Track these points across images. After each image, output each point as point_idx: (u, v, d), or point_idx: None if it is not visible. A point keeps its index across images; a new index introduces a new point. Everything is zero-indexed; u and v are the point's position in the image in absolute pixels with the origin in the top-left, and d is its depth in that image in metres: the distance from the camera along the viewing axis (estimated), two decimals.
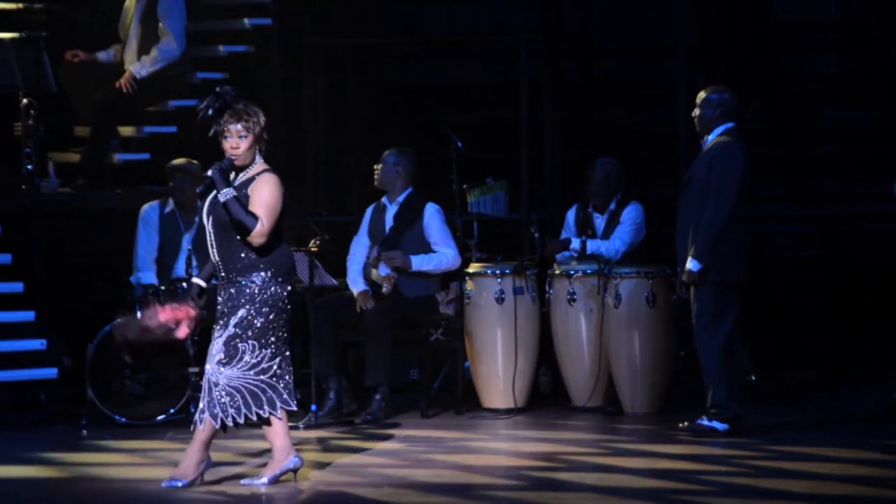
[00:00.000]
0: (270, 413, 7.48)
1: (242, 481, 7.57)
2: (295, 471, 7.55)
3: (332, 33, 11.39)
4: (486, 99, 11.66)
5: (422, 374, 9.87)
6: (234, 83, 10.97)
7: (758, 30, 11.80)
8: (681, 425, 8.92)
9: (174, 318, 7.54)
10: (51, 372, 9.63)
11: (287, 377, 7.55)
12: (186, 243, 9.85)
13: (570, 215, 10.12)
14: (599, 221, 10.02)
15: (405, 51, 11.86)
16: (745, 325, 9.28)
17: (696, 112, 8.91)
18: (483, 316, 9.87)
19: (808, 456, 8.37)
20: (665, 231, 9.30)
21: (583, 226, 10.03)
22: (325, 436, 9.06)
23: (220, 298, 7.51)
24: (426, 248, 9.75)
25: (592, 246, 9.90)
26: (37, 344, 9.72)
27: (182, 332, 7.56)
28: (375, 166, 9.84)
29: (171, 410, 9.31)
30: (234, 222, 7.37)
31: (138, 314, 7.92)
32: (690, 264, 8.74)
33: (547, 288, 9.96)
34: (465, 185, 10.11)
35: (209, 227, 7.49)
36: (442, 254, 9.72)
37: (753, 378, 10.46)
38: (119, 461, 8.35)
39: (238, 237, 7.42)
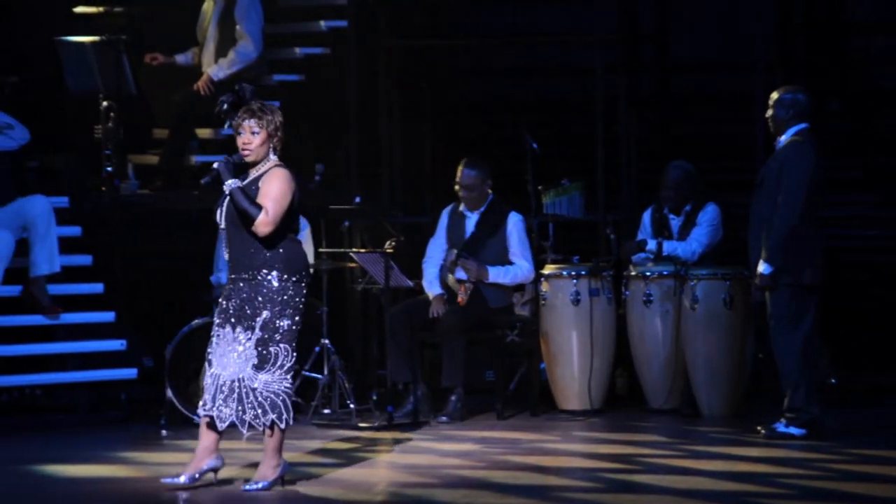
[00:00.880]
0: (287, 422, 7.47)
1: (246, 486, 7.47)
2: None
3: (407, 35, 11.40)
4: (563, 99, 11.62)
5: (497, 376, 9.86)
6: (311, 85, 11.19)
7: (835, 39, 11.68)
8: (759, 429, 8.85)
9: None
10: (130, 372, 9.72)
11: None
12: None
13: (646, 217, 10.09)
14: (675, 223, 9.98)
15: (480, 52, 11.84)
16: (823, 327, 9.20)
17: (769, 112, 8.84)
18: (559, 317, 9.85)
19: (889, 459, 8.29)
20: (741, 235, 9.23)
21: (659, 227, 9.99)
22: (401, 437, 9.08)
23: (232, 298, 7.43)
24: (505, 258, 9.73)
25: (669, 247, 9.86)
26: (116, 344, 9.81)
27: None
28: (458, 186, 9.74)
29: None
30: (239, 212, 7.37)
31: None
32: (762, 267, 8.68)
33: (623, 289, 9.93)
34: (540, 187, 10.08)
35: (224, 226, 7.47)
36: (518, 266, 9.70)
37: (834, 381, 10.36)
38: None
39: (249, 234, 7.39)
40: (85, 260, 10.07)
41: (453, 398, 9.56)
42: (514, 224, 9.74)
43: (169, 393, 9.34)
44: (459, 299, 9.43)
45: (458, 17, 11.89)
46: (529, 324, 9.82)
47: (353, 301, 10.85)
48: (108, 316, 9.89)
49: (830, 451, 8.42)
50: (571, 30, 11.41)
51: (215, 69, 10.80)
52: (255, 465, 7.64)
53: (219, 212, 7.49)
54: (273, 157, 7.50)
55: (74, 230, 10.14)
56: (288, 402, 7.45)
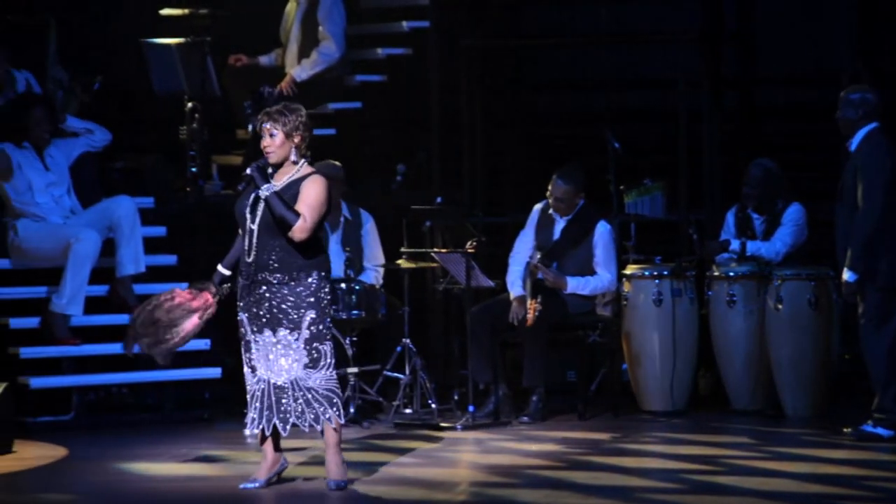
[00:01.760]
0: (338, 419, 7.49)
1: (332, 484, 7.47)
2: None
3: (489, 35, 11.39)
4: (645, 99, 11.55)
5: (579, 376, 9.83)
6: (392, 86, 11.21)
7: None
8: (845, 430, 8.76)
9: (190, 303, 7.49)
10: (214, 371, 9.78)
11: None
12: (334, 244, 9.93)
13: (730, 217, 10.01)
14: (759, 223, 9.90)
15: (562, 51, 11.80)
16: None
17: (838, 114, 8.73)
18: (640, 318, 9.80)
19: None
20: (827, 242, 9.14)
21: (742, 227, 9.91)
22: (483, 437, 9.07)
23: (263, 302, 7.41)
24: (589, 266, 9.68)
25: (752, 247, 9.77)
26: (201, 343, 9.82)
27: (193, 322, 7.50)
28: (550, 196, 9.71)
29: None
30: (276, 217, 7.37)
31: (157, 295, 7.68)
32: (846, 275, 8.59)
33: (706, 289, 9.86)
34: (622, 187, 10.03)
35: (249, 227, 7.44)
36: (599, 277, 9.65)
37: None
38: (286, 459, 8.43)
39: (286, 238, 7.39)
40: (170, 260, 10.17)
41: (535, 398, 9.55)
42: (601, 234, 9.69)
43: None
44: (528, 319, 9.39)
45: (540, 16, 11.85)
46: (611, 324, 9.78)
47: (435, 301, 10.85)
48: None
49: None
50: (655, 30, 11.34)
51: (298, 70, 10.86)
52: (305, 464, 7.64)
53: (248, 214, 7.46)
54: (302, 161, 7.50)
55: (159, 230, 10.24)
56: (342, 397, 7.51)
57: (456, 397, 9.70)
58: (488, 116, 11.39)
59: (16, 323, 9.68)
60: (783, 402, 9.56)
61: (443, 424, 9.34)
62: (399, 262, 9.75)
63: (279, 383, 7.47)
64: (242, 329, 7.52)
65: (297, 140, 7.49)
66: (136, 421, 9.69)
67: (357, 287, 9.55)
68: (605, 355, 9.92)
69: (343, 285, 9.55)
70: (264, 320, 7.45)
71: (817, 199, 9.98)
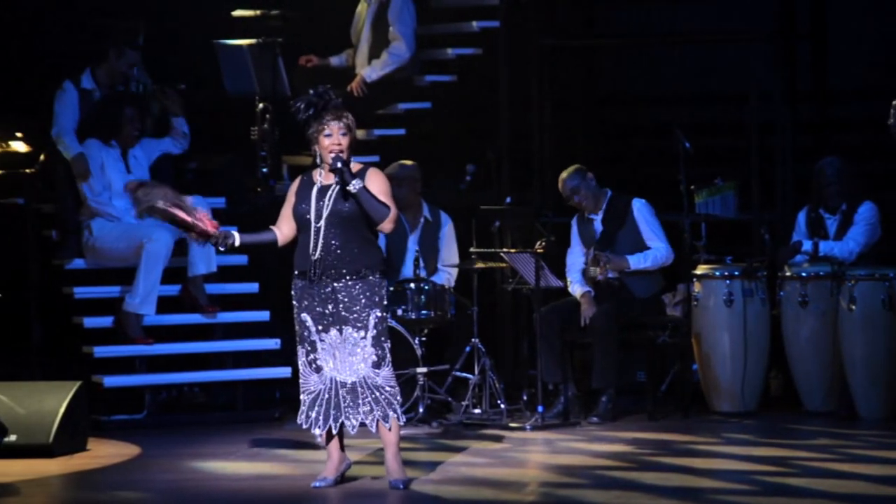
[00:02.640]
0: (398, 419, 7.50)
1: (396, 483, 7.48)
2: None
3: (560, 35, 11.36)
4: (716, 98, 11.47)
5: (649, 377, 9.78)
6: (462, 86, 11.20)
7: None
8: None
9: (195, 222, 7.44)
10: (285, 371, 9.79)
11: None
12: (412, 244, 9.95)
13: (801, 217, 9.93)
14: (831, 223, 9.81)
15: (633, 51, 11.74)
16: None
17: (890, 121, 8.64)
18: (711, 318, 9.75)
19: None
20: None
21: (814, 227, 9.83)
22: (552, 437, 9.06)
23: (329, 301, 7.40)
24: (642, 245, 9.67)
25: (825, 247, 9.70)
26: (271, 343, 9.91)
27: (196, 230, 7.45)
28: (569, 195, 9.70)
29: (402, 410, 9.40)
30: (368, 210, 7.36)
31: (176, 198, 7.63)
32: None
33: (777, 290, 9.78)
34: (692, 187, 9.98)
35: (315, 226, 7.41)
36: (655, 249, 9.63)
37: None
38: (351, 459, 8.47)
39: (357, 233, 7.38)
40: (241, 260, 10.22)
41: (604, 399, 9.53)
42: (639, 210, 9.68)
43: None
44: (598, 278, 9.35)
45: (612, 16, 11.80)
46: (681, 325, 9.74)
47: (504, 301, 10.83)
48: (263, 315, 10.01)
49: None
50: (727, 28, 11.27)
51: (368, 70, 10.88)
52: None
53: (312, 213, 7.44)
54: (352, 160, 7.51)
55: (231, 230, 10.27)
56: (400, 397, 7.53)
57: (525, 398, 9.69)
58: (558, 116, 11.36)
59: (90, 322, 9.78)
60: (856, 403, 9.47)
61: (512, 425, 9.34)
62: (467, 261, 9.75)
63: (348, 382, 7.48)
64: (305, 329, 7.52)
65: (353, 142, 7.55)
66: (208, 420, 9.75)
67: (426, 287, 9.57)
68: (676, 356, 9.88)
69: (412, 285, 9.57)
70: (330, 319, 7.46)
71: (890, 196, 9.88)
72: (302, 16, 10.80)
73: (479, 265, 9.71)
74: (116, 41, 10.02)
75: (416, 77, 11.11)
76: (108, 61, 10.06)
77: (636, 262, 9.60)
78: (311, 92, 7.48)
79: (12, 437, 8.50)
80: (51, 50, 10.29)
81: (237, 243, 7.53)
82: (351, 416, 7.48)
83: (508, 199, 10.37)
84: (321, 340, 7.50)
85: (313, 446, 8.74)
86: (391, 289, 9.59)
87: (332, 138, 7.48)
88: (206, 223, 7.50)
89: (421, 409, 9.44)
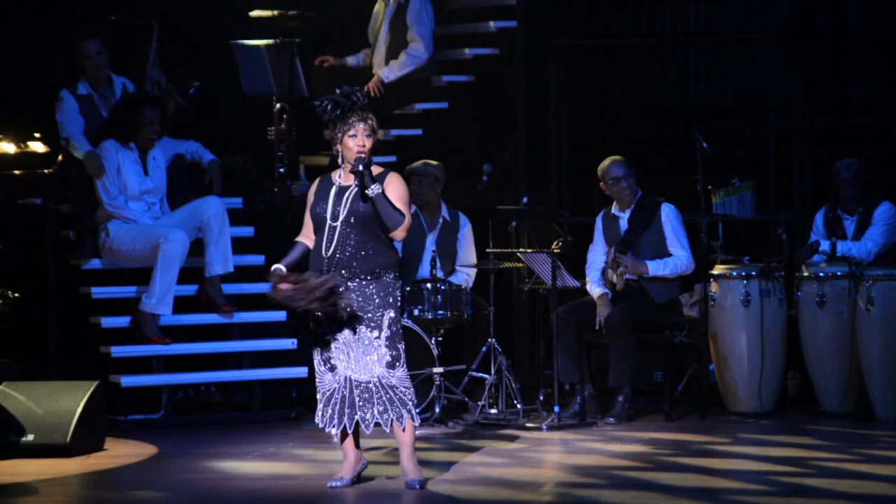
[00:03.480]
0: (413, 420, 7.51)
1: (414, 483, 7.47)
2: None
3: (577, 35, 11.34)
4: (734, 98, 11.45)
5: (666, 377, 9.76)
6: (479, 86, 11.20)
7: None
8: None
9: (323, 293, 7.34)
10: (301, 370, 9.79)
11: None
12: (430, 244, 9.95)
13: (819, 218, 9.90)
14: (849, 223, 9.79)
15: (650, 51, 11.71)
16: None
17: None
18: (728, 318, 9.73)
19: None
20: None
21: (832, 228, 9.81)
22: (568, 437, 9.04)
23: (350, 296, 7.40)
24: (664, 250, 9.65)
25: (843, 247, 9.67)
26: (288, 343, 9.91)
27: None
28: (611, 180, 9.67)
29: (417, 410, 9.41)
30: (383, 217, 7.37)
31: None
32: None
33: (795, 290, 9.76)
34: (709, 187, 9.95)
35: (331, 225, 7.41)
36: (676, 257, 9.61)
37: None
38: (367, 459, 8.48)
39: (372, 234, 7.39)
40: (258, 260, 10.22)
41: (621, 399, 9.51)
42: (667, 215, 9.66)
43: None
44: (618, 287, 9.33)
45: (629, 16, 11.78)
46: (698, 325, 9.72)
47: (520, 301, 10.82)
48: (279, 315, 9.99)
49: None
50: (743, 29, 11.25)
51: (386, 71, 10.88)
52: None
53: (329, 213, 7.44)
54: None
55: (247, 230, 10.29)
56: (415, 397, 7.54)
57: (541, 397, 9.68)
58: (575, 116, 11.34)
59: (107, 322, 9.78)
60: (874, 404, 9.45)
61: (528, 425, 9.33)
62: (484, 262, 9.74)
63: (362, 381, 7.49)
64: (320, 328, 7.52)
65: (375, 142, 7.55)
66: (225, 419, 9.74)
67: (443, 287, 9.57)
68: (692, 356, 9.86)
69: (429, 285, 9.57)
70: (344, 318, 7.47)
71: None
72: (319, 16, 10.80)
73: (496, 265, 9.69)
74: (72, 47, 9.97)
75: (434, 77, 11.11)
76: (80, 67, 10.00)
77: (655, 268, 9.59)
78: (338, 91, 7.48)
79: (30, 437, 8.52)
80: (63, 52, 10.30)
81: (285, 271, 7.50)
82: (366, 416, 7.48)
83: (525, 199, 10.35)
84: (335, 339, 7.50)
85: (330, 446, 8.74)
86: (408, 289, 9.58)
87: (357, 139, 7.47)
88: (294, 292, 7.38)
89: (437, 409, 9.43)
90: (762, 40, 10.90)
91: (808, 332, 9.73)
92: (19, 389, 8.70)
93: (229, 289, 10.00)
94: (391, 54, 10.95)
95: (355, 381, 7.50)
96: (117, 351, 9.66)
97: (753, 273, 9.73)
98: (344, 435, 7.59)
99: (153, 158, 9.91)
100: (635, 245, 9.66)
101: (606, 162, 9.77)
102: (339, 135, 7.50)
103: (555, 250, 9.41)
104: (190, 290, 9.93)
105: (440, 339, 9.58)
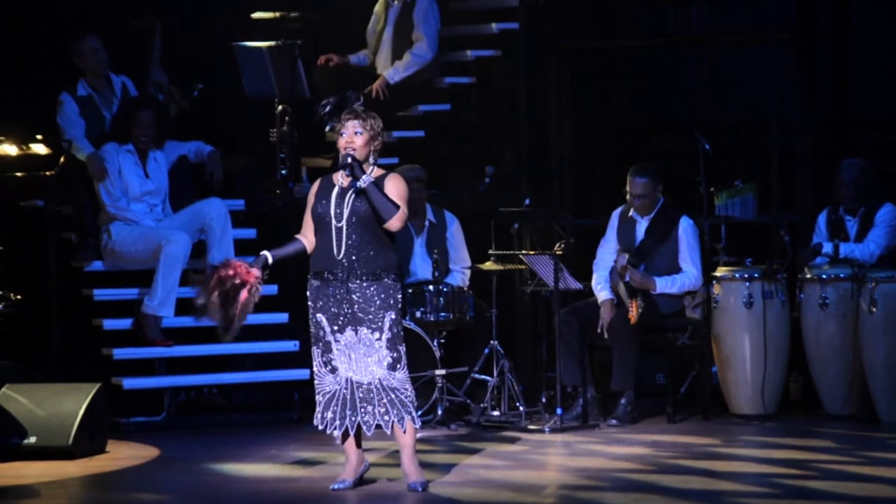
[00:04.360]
0: (413, 422, 7.49)
1: (416, 485, 7.46)
2: None
3: (579, 37, 11.33)
4: (736, 99, 11.44)
5: (668, 379, 9.75)
6: (481, 87, 11.19)
7: None
8: None
9: (242, 277, 7.37)
10: (303, 373, 9.75)
11: None
12: (419, 247, 9.93)
13: (821, 219, 9.88)
14: (851, 224, 9.77)
15: (653, 52, 11.69)
16: None
17: None
18: (731, 320, 9.71)
19: None
20: None
21: (835, 229, 9.78)
22: (571, 440, 9.03)
23: (344, 301, 7.39)
24: (676, 264, 9.60)
25: (845, 249, 9.65)
26: (290, 345, 9.89)
27: (244, 295, 7.39)
28: (630, 192, 9.59)
29: (419, 412, 9.39)
30: (376, 206, 7.35)
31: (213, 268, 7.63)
32: None
33: (798, 292, 9.74)
34: (712, 188, 9.92)
35: (335, 226, 7.41)
36: (686, 274, 9.57)
37: None
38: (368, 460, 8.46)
39: (374, 235, 7.38)
40: None
41: (623, 401, 9.49)
42: (685, 230, 9.60)
43: None
44: (630, 316, 9.31)
45: (631, 17, 11.77)
46: (701, 327, 9.68)
47: (523, 303, 10.80)
48: (281, 317, 9.98)
49: None
50: (746, 29, 11.23)
51: (391, 72, 10.86)
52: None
53: (332, 213, 7.43)
54: (373, 165, 7.49)
55: (249, 232, 10.26)
56: (416, 399, 7.53)
57: (544, 400, 9.66)
58: (577, 118, 11.32)
59: (109, 324, 9.77)
60: (877, 407, 9.42)
61: (530, 427, 9.33)
62: (487, 263, 9.73)
63: (363, 383, 7.48)
64: (320, 330, 7.51)
65: (375, 145, 7.53)
66: (227, 422, 9.73)
67: (445, 289, 9.55)
68: (695, 358, 9.84)
69: (431, 287, 9.55)
70: (345, 320, 7.45)
71: None
72: (321, 17, 10.78)
73: (498, 267, 9.66)
74: (73, 48, 9.96)
75: (435, 79, 11.08)
76: (79, 66, 9.98)
77: (663, 285, 9.54)
78: (336, 93, 7.51)
79: (32, 439, 8.51)
80: (65, 52, 10.29)
81: (271, 261, 7.51)
82: (367, 417, 7.47)
83: (527, 201, 10.33)
84: (336, 341, 7.49)
85: (332, 448, 8.71)
86: (409, 291, 9.56)
87: (346, 136, 7.49)
88: (244, 278, 7.40)
89: (439, 411, 9.41)
90: (765, 41, 10.87)
91: (810, 334, 9.71)
92: (21, 392, 8.69)
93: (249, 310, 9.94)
94: (396, 54, 10.93)
95: (356, 382, 7.49)
96: (119, 353, 9.66)
97: (756, 275, 9.70)
98: (345, 437, 7.57)
99: (153, 160, 9.90)
100: (650, 255, 9.60)
101: (632, 170, 9.63)
102: (335, 136, 7.55)
103: (557, 252, 9.38)
104: (192, 292, 9.88)
105: (442, 341, 9.57)
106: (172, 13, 10.56)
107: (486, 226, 9.89)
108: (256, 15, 10.72)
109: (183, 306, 9.76)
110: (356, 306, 7.43)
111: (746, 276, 9.72)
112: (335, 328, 7.47)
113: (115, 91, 10.02)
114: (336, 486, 7.56)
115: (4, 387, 8.74)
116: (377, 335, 7.44)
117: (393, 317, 7.44)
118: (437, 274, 9.69)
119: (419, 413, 7.64)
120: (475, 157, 10.87)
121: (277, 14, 10.61)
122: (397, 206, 7.39)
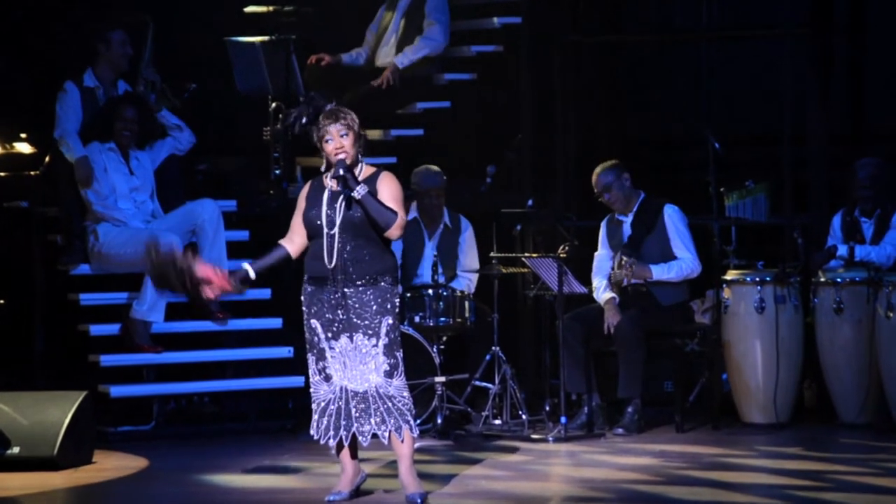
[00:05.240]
0: (412, 431, 7.38)
1: (414, 496, 7.35)
2: None
3: (582, 31, 11.23)
4: (748, 97, 11.29)
5: (677, 387, 9.64)
6: (483, 84, 11.09)
7: None
8: None
9: (209, 279, 7.31)
10: (298, 380, 9.68)
11: None
12: (430, 251, 9.87)
13: (836, 221, 9.80)
14: (867, 226, 9.69)
15: (659, 48, 11.59)
16: None
17: None
18: (742, 325, 9.60)
19: None
20: None
21: (850, 231, 9.70)
22: (575, 449, 8.97)
23: (339, 307, 7.28)
24: (670, 252, 9.53)
25: (861, 252, 9.56)
26: (284, 351, 9.82)
27: (207, 292, 7.33)
28: (596, 191, 9.58)
29: (418, 421, 9.22)
30: (374, 217, 7.25)
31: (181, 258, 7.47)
32: None
33: (811, 296, 9.66)
34: (722, 189, 9.82)
35: (328, 233, 7.30)
36: (681, 260, 9.51)
37: None
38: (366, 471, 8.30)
39: (369, 239, 7.27)
40: None
41: (630, 410, 9.39)
42: (670, 216, 9.56)
43: None
44: (626, 274, 9.26)
45: (637, 12, 11.69)
46: (710, 332, 9.61)
47: (525, 308, 10.72)
48: (275, 322, 9.92)
49: None
50: (757, 24, 11.08)
51: (400, 57, 10.87)
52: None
53: (324, 219, 7.31)
54: (362, 160, 7.38)
55: (242, 234, 10.24)
56: (414, 408, 7.44)
57: (547, 408, 9.55)
58: (582, 115, 11.22)
59: (96, 330, 9.70)
60: (894, 415, 9.30)
61: (534, 436, 9.25)
62: (487, 267, 9.58)
63: (359, 391, 7.36)
64: (315, 336, 7.42)
65: (361, 141, 7.42)
66: (218, 431, 9.68)
67: (445, 293, 9.50)
68: (704, 365, 9.78)
69: (430, 291, 9.49)
70: (340, 326, 7.35)
71: None
72: (316, 11, 10.73)
73: (500, 270, 9.58)
74: (100, 35, 9.93)
75: (435, 75, 11.09)
76: (100, 54, 9.96)
77: (659, 272, 9.48)
78: (301, 100, 7.34)
79: (15, 450, 8.43)
80: (50, 50, 10.17)
81: (252, 276, 7.44)
82: (363, 427, 7.35)
83: (530, 202, 10.22)
84: (331, 348, 7.40)
85: (327, 459, 8.61)
86: (408, 295, 9.50)
87: (334, 142, 7.37)
88: (216, 283, 7.34)
89: (439, 420, 9.34)
90: (777, 36, 10.72)
91: (824, 339, 9.61)
92: (4, 400, 8.61)
93: (223, 295, 9.80)
94: (405, 43, 10.84)
95: (352, 391, 7.39)
96: (106, 360, 9.57)
97: (768, 278, 9.60)
98: (340, 447, 7.49)
99: (135, 158, 9.86)
100: (639, 249, 9.56)
101: (596, 171, 9.68)
102: (319, 143, 7.42)
103: (561, 255, 9.30)
104: (183, 296, 9.74)
105: (442, 346, 9.49)
106: (164, 8, 10.49)
107: (487, 227, 9.79)
108: (249, 9, 10.75)
109: (173, 311, 9.68)
110: (352, 311, 7.34)
111: (758, 279, 9.61)
112: (329, 335, 7.39)
113: (117, 89, 10.00)
114: (331, 498, 7.47)
115: None
116: (374, 341, 7.34)
117: (390, 322, 7.33)
118: (437, 277, 9.60)
119: (418, 422, 7.56)
120: (476, 156, 10.81)
121: (271, 8, 10.63)
122: (395, 213, 7.29)
